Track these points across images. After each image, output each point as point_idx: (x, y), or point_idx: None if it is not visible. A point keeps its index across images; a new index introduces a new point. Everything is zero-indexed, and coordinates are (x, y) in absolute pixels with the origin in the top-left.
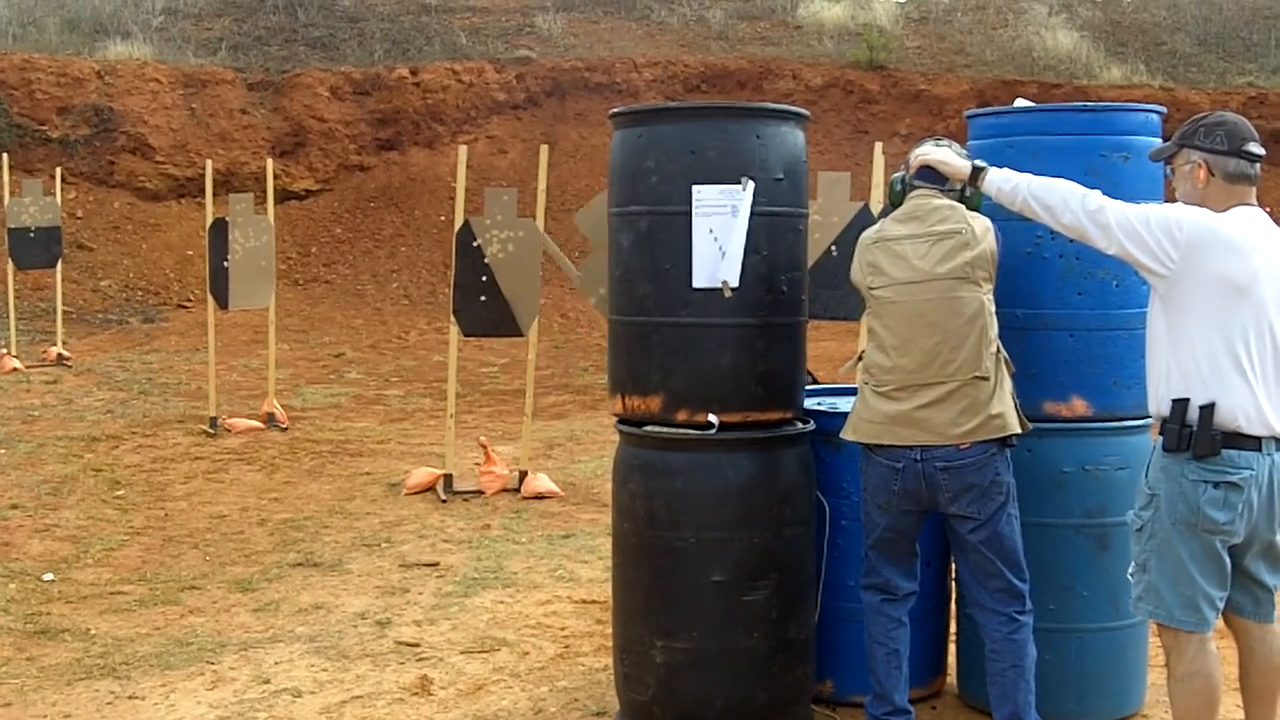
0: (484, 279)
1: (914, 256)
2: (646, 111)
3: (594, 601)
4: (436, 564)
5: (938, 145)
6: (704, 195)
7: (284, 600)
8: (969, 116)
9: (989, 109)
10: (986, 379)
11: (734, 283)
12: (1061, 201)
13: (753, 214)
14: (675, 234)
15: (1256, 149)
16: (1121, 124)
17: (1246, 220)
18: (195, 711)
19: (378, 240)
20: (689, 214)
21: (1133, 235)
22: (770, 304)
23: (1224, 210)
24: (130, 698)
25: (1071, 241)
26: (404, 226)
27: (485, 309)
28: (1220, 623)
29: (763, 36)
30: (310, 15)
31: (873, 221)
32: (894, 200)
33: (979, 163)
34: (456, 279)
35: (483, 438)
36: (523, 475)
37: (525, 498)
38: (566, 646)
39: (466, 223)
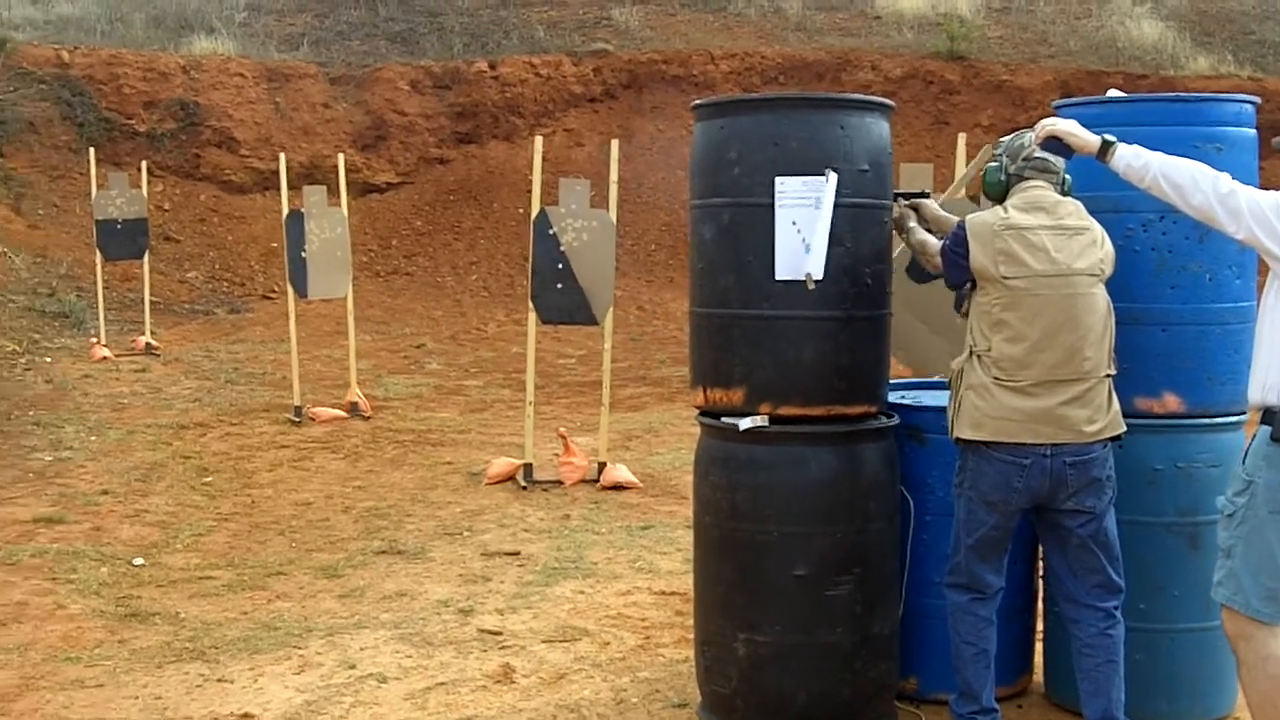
0: (560, 266)
1: (1053, 249)
2: (728, 103)
3: (674, 593)
4: (517, 553)
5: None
6: (787, 187)
7: (369, 587)
8: (1057, 106)
9: (1077, 99)
10: (1112, 376)
11: (818, 275)
12: (1192, 182)
13: (837, 205)
14: (757, 226)
15: None
16: (1214, 115)
17: None
18: (282, 695)
19: (457, 233)
20: (772, 206)
21: (1263, 221)
22: (854, 297)
23: None
24: (219, 680)
25: (1164, 235)
26: (482, 219)
27: (562, 296)
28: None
29: (841, 27)
30: (390, 10)
31: None
32: (990, 191)
33: (1109, 136)
34: (534, 265)
35: (562, 429)
36: (601, 466)
37: (604, 488)
38: (647, 638)
39: (543, 211)
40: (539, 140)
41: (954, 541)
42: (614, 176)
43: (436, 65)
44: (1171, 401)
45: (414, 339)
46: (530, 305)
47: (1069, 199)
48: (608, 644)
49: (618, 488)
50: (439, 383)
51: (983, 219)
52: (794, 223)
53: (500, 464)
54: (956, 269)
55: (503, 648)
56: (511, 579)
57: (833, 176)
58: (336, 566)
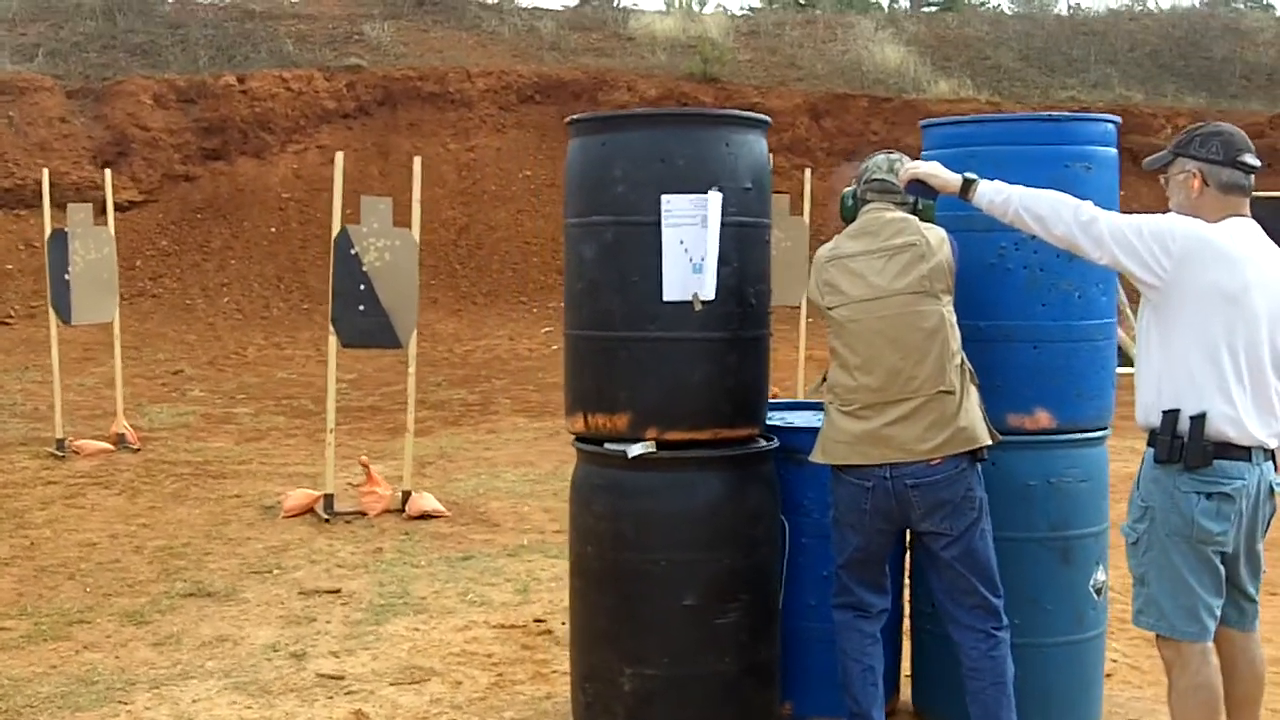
0: (362, 288)
1: (870, 273)
2: (611, 118)
3: (514, 626)
4: (338, 590)
5: (889, 156)
6: (674, 205)
7: (184, 633)
8: (924, 126)
9: (947, 119)
10: (951, 392)
11: (708, 296)
12: (1053, 212)
13: (723, 224)
14: (643, 245)
15: (1251, 160)
16: (1082, 134)
17: (1239, 231)
18: None
19: (206, 253)
20: (658, 224)
21: (1126, 246)
22: (740, 317)
23: (1217, 220)
24: None
25: (1035, 253)
26: (233, 239)
27: (364, 319)
28: None
29: (595, 48)
30: (130, 21)
31: None
32: (845, 215)
33: (969, 175)
34: (335, 287)
35: (364, 456)
36: (406, 495)
37: (411, 518)
38: (500, 675)
39: (344, 230)
40: (340, 156)
41: (834, 562)
42: (416, 195)
43: (181, 79)
44: (1043, 417)
45: (170, 364)
46: (331, 328)
47: (899, 215)
48: (460, 684)
49: (425, 517)
50: (206, 410)
51: (819, 251)
52: (682, 241)
53: (297, 496)
54: None
55: (349, 693)
56: (338, 618)
57: (716, 195)
58: (143, 612)
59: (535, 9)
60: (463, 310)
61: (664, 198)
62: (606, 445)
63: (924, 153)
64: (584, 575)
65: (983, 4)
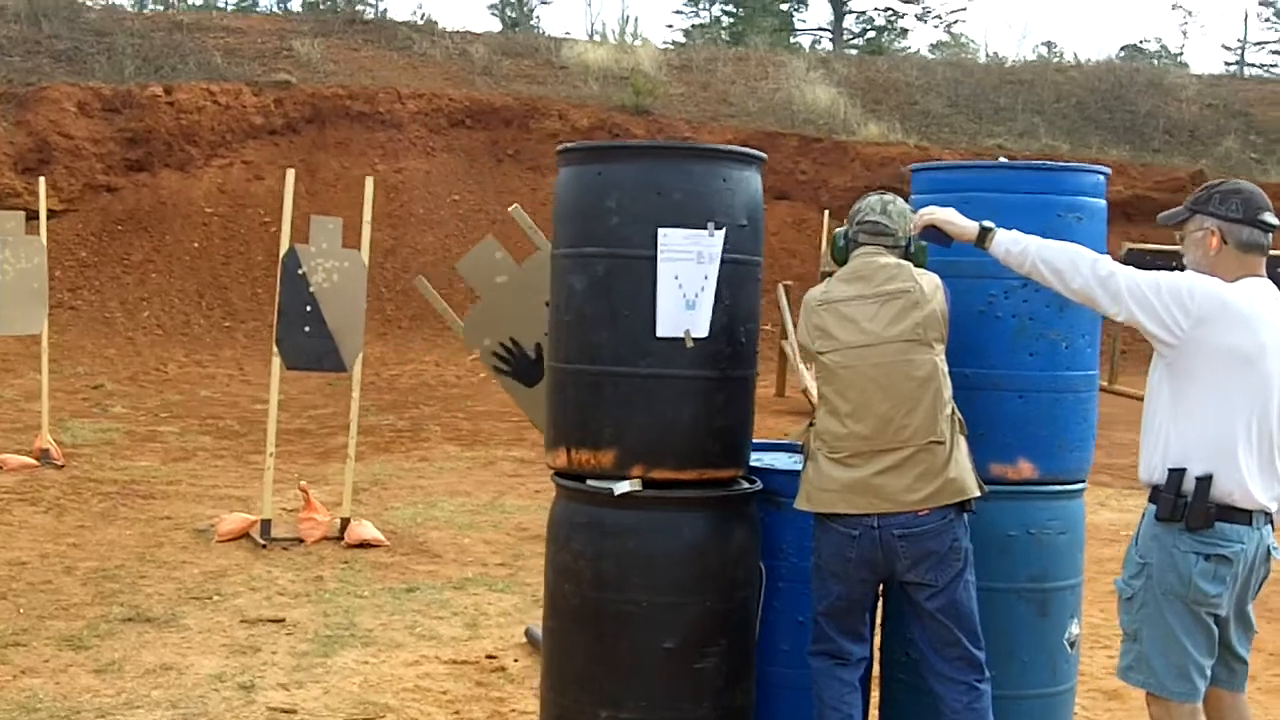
0: (308, 309)
1: (863, 319)
2: (606, 148)
3: (466, 662)
4: (282, 620)
5: (882, 198)
6: (670, 239)
7: (125, 660)
8: (913, 170)
9: (940, 163)
10: (942, 443)
11: (700, 334)
12: (1072, 266)
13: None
14: (636, 279)
15: (1271, 219)
16: (1074, 184)
17: (1256, 292)
18: None
19: (126, 266)
20: (652, 258)
21: (1143, 303)
22: (730, 356)
23: (1234, 280)
24: None
25: (1025, 302)
26: (154, 252)
27: (309, 340)
28: None
29: (527, 75)
30: (55, 26)
31: None
32: (837, 258)
33: (987, 224)
34: (281, 307)
35: (304, 482)
36: (345, 522)
37: (350, 546)
38: (456, 712)
39: (292, 249)
40: (291, 173)
41: (813, 609)
42: (368, 215)
43: (106, 87)
44: (1026, 468)
45: (89, 379)
46: (275, 349)
47: (893, 261)
48: None
49: (364, 545)
50: (129, 428)
51: (810, 294)
52: (676, 277)
53: (232, 519)
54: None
55: None
56: (284, 649)
57: (719, 232)
58: (81, 637)
59: (467, 32)
60: (388, 334)
61: (661, 231)
62: (589, 482)
63: (913, 197)
64: (560, 615)
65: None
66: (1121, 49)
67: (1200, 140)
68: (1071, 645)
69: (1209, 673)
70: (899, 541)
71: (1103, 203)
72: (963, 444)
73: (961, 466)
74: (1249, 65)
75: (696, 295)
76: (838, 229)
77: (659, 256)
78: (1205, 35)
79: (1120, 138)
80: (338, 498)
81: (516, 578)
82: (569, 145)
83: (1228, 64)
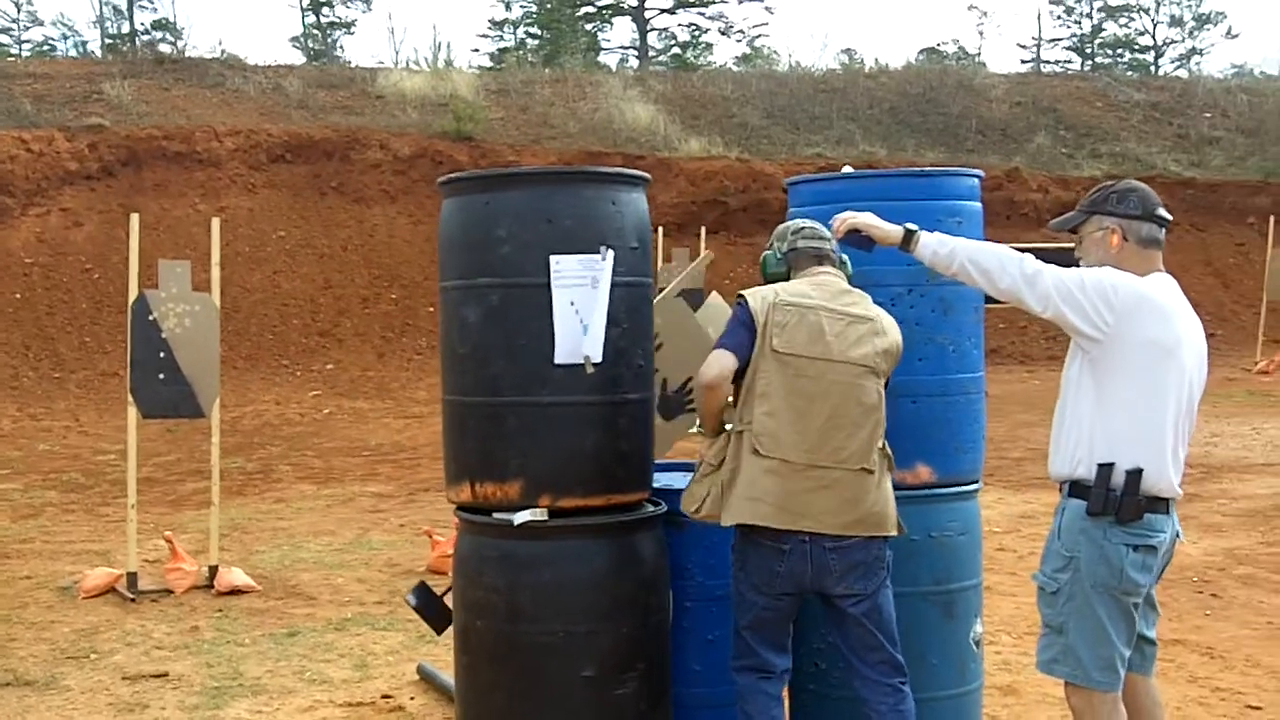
0: (161, 355)
1: (830, 332)
2: (493, 177)
3: (362, 704)
4: (165, 674)
5: (800, 222)
6: (563, 266)
7: None
8: (790, 184)
9: (813, 175)
10: (871, 472)
11: (597, 358)
12: (999, 266)
13: (612, 285)
14: (531, 307)
15: (1166, 214)
16: (952, 189)
17: (1166, 286)
18: None
19: None
20: (546, 286)
21: (1070, 300)
22: (629, 379)
23: (1142, 275)
24: None
25: (912, 308)
26: None
27: (165, 388)
28: None
29: (344, 106)
30: None
31: None
32: (768, 276)
33: (910, 226)
34: (133, 355)
35: (168, 532)
36: (213, 570)
37: (221, 593)
38: None
39: (141, 295)
40: (135, 218)
41: (734, 624)
42: (215, 257)
43: None
44: (924, 472)
45: None
46: (130, 398)
47: (858, 292)
48: None
49: (235, 592)
50: None
51: (762, 290)
52: (572, 303)
53: (96, 575)
54: (736, 339)
55: None
56: (172, 704)
57: (609, 254)
58: None
59: (280, 66)
60: (225, 375)
61: (553, 258)
62: (495, 515)
63: (791, 210)
64: (476, 651)
65: (710, 64)
66: (920, 52)
67: (1012, 138)
68: (977, 644)
69: (1127, 662)
70: (830, 555)
71: (979, 205)
72: (888, 480)
73: (885, 500)
74: (1044, 62)
75: (592, 320)
76: (766, 251)
77: (553, 283)
78: (1001, 35)
79: (935, 140)
80: (200, 545)
81: (397, 614)
82: (453, 176)
83: (1024, 62)
